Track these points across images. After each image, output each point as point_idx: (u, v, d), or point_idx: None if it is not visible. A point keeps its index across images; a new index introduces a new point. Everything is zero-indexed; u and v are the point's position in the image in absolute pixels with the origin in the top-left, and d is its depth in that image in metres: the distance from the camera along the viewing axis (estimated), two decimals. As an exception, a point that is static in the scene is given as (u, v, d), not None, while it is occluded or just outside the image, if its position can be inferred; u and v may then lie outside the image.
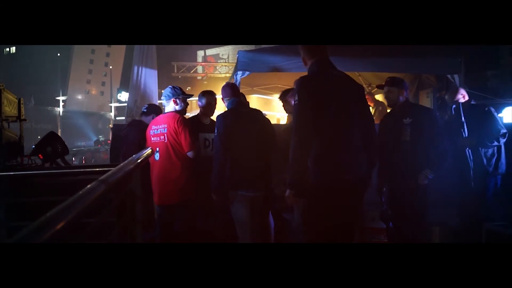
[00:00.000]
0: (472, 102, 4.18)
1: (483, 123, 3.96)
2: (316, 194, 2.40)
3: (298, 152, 2.34)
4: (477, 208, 3.92)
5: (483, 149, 4.00)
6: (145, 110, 4.33)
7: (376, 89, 5.94)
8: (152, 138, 3.47)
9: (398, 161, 3.33)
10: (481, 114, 4.01)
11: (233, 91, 3.54)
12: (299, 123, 2.38)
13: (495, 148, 4.01)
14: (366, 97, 3.51)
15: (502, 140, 3.94)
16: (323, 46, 2.61)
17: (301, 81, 2.50)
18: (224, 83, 3.86)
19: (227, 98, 3.52)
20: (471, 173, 3.99)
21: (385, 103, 4.43)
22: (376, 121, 3.25)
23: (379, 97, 7.11)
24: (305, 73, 2.62)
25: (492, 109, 4.08)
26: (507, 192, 4.08)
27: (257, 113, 3.53)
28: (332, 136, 2.40)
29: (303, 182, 2.37)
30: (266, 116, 3.66)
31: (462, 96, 4.15)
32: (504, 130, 3.93)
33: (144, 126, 3.86)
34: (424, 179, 3.27)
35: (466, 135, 3.99)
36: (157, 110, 4.38)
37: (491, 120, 3.99)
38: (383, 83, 3.60)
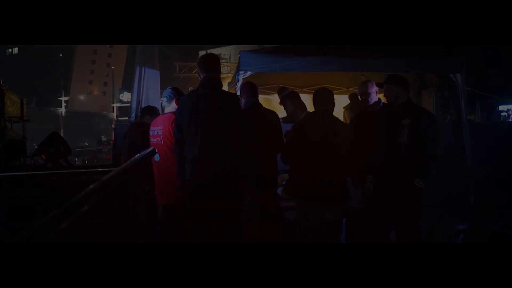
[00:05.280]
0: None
1: None
2: (188, 189, 2.96)
3: (178, 159, 2.97)
4: None
5: None
6: (139, 114, 4.29)
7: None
8: (151, 139, 3.50)
9: (392, 161, 3.20)
10: None
11: (251, 91, 3.61)
12: (175, 135, 3.01)
13: None
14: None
15: None
16: (216, 66, 3.02)
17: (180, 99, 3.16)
18: (245, 82, 3.92)
19: (245, 96, 3.60)
20: None
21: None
22: None
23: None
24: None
25: None
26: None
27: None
28: (192, 145, 2.89)
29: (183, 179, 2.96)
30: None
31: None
32: None
33: (146, 128, 3.86)
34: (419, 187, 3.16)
35: None
36: (150, 111, 4.34)
37: None
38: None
